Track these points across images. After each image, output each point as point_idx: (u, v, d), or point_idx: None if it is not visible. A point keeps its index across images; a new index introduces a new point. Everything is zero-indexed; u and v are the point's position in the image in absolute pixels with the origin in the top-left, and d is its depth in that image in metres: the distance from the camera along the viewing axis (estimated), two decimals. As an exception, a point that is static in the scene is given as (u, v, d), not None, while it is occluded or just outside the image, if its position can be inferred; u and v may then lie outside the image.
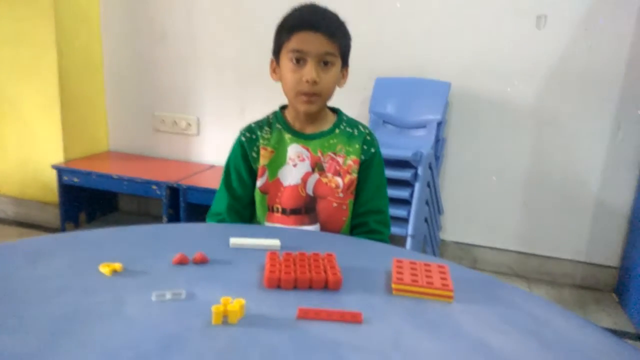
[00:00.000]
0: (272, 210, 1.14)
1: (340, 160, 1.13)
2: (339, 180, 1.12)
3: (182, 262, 0.83)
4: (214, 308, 0.67)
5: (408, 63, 2.25)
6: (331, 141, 1.14)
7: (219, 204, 1.17)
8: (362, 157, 1.13)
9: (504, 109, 2.23)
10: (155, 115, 2.57)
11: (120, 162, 2.52)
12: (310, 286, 0.78)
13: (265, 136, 1.15)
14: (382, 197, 1.17)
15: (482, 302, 0.78)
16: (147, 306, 0.70)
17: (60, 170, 2.35)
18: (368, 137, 1.15)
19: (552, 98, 2.18)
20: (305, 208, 1.13)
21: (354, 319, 0.70)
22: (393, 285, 0.78)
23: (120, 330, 0.64)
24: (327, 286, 0.78)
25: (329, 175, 1.12)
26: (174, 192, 2.19)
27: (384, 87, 2.18)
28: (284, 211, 1.13)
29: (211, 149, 2.51)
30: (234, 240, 0.91)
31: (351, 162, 1.13)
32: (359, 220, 1.15)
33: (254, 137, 1.15)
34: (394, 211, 1.73)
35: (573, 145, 2.21)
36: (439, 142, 2.07)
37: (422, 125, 2.07)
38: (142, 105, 2.59)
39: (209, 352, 0.61)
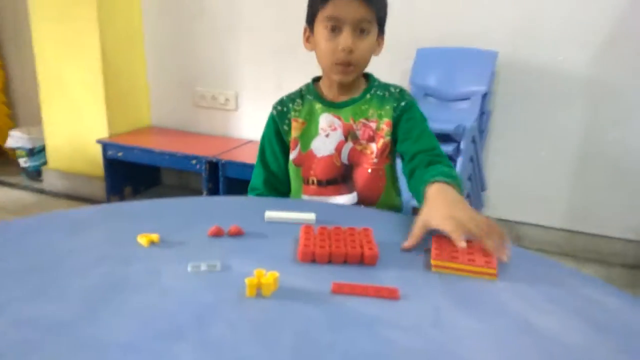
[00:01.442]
0: (308, 183, 1.13)
1: (373, 125, 1.09)
2: (373, 146, 1.09)
3: (217, 234, 0.83)
4: (247, 280, 0.66)
5: (452, 32, 2.15)
6: (363, 107, 1.10)
7: (257, 179, 1.17)
8: (394, 114, 1.08)
9: (555, 80, 2.11)
10: (195, 90, 2.59)
11: (161, 137, 2.57)
12: (346, 261, 0.76)
13: (297, 108, 1.13)
14: (429, 136, 1.08)
15: (527, 280, 0.74)
16: (182, 277, 0.70)
17: (105, 145, 2.41)
18: (398, 95, 1.10)
19: (607, 67, 2.04)
20: (342, 177, 1.11)
21: (391, 294, 0.68)
22: (432, 262, 0.76)
23: (155, 300, 0.64)
24: (363, 261, 0.76)
25: (363, 142, 1.09)
26: (213, 166, 2.21)
27: (426, 58, 2.10)
28: (319, 182, 1.12)
29: (249, 124, 2.52)
30: (269, 214, 0.90)
31: (384, 125, 1.08)
32: (413, 164, 1.04)
33: (285, 109, 1.13)
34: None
35: (629, 118, 2.07)
36: (483, 115, 1.99)
37: (466, 98, 1.99)
38: (182, 80, 2.61)
39: (242, 323, 0.60)
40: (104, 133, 2.51)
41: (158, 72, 2.64)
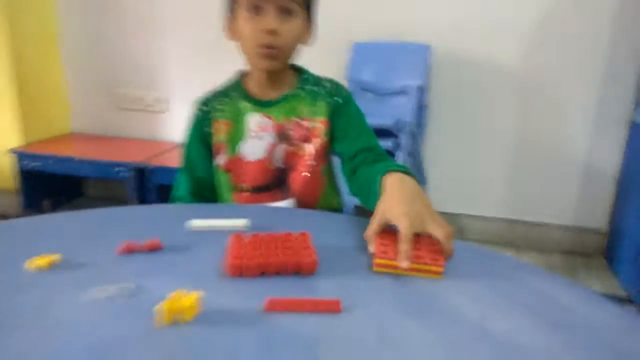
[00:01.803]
0: (239, 190, 1.03)
1: (306, 124, 1.01)
2: (308, 147, 1.01)
3: (130, 250, 0.71)
4: (158, 307, 0.55)
5: (386, 26, 2.12)
6: (294, 104, 1.01)
7: (181, 188, 1.06)
8: (329, 111, 1.00)
9: (488, 73, 2.13)
10: (119, 92, 2.41)
11: (82, 144, 2.36)
12: (281, 272, 0.67)
13: (221, 108, 1.02)
14: (370, 135, 1.01)
15: (476, 277, 0.68)
16: (81, 306, 0.58)
17: (19, 155, 2.18)
18: (333, 90, 1.02)
19: (537, 58, 2.08)
20: (276, 183, 1.02)
21: (331, 308, 0.60)
22: (376, 260, 0.68)
23: (42, 338, 0.52)
24: (301, 271, 0.67)
25: (297, 143, 1.01)
26: (140, 173, 2.05)
27: (362, 53, 2.05)
28: (251, 189, 1.02)
29: (181, 126, 2.36)
30: (193, 223, 0.80)
31: (318, 123, 1.00)
32: (354, 163, 0.97)
33: (208, 109, 1.03)
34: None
35: (560, 107, 2.12)
36: (421, 109, 1.96)
37: (402, 92, 1.95)
38: (104, 82, 2.42)
39: (155, 359, 0.50)
40: (17, 142, 2.27)
41: (77, 73, 2.43)
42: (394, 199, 0.74)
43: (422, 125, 2.00)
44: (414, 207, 0.72)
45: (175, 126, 2.38)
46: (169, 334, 0.54)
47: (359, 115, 1.02)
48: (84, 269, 0.67)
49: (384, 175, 0.80)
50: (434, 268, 0.67)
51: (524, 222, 2.26)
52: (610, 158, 2.11)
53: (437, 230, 0.70)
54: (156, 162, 2.05)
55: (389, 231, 0.73)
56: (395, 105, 1.93)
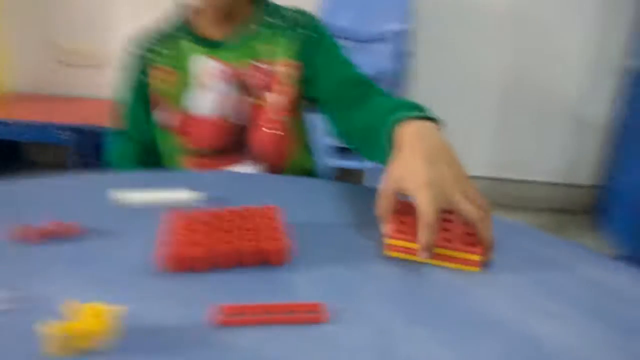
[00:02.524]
0: (188, 154, 0.82)
1: (267, 68, 0.80)
2: (271, 96, 0.80)
3: (26, 238, 0.51)
4: (48, 328, 0.36)
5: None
6: (249, 43, 0.80)
7: (114, 152, 0.85)
8: (297, 49, 0.79)
9: (478, 17, 1.94)
10: (59, 45, 2.11)
11: (20, 104, 2.08)
12: (239, 264, 0.48)
13: (160, 50, 0.81)
14: (350, 65, 0.79)
15: (517, 267, 0.51)
16: None
17: (-57, 119, 1.89)
18: (300, 22, 0.81)
19: (530, 2, 1.91)
20: (234, 144, 0.81)
21: (312, 316, 0.41)
22: (387, 241, 0.50)
23: None
24: (267, 261, 0.49)
25: (257, 92, 0.80)
26: (84, 135, 1.80)
27: (335, -5, 1.81)
28: (204, 153, 0.81)
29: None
30: (122, 196, 0.59)
31: (282, 66, 0.79)
32: (337, 105, 0.76)
33: (142, 52, 0.81)
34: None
35: (552, 55, 1.97)
36: (403, 57, 1.76)
37: (382, 38, 1.74)
38: (43, 34, 2.11)
39: None
40: (-60, 103, 1.98)
41: (12, 25, 2.12)
42: (411, 161, 0.52)
43: (404, 75, 1.80)
44: (438, 171, 0.50)
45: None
46: (58, 377, 0.35)
47: (336, 48, 0.82)
48: (-48, 269, 0.46)
49: (396, 124, 0.57)
50: (467, 256, 0.48)
51: (511, 180, 2.13)
52: (602, 109, 1.98)
53: (468, 209, 0.49)
54: (100, 122, 1.80)
55: (409, 203, 0.53)
56: (375, 53, 1.73)
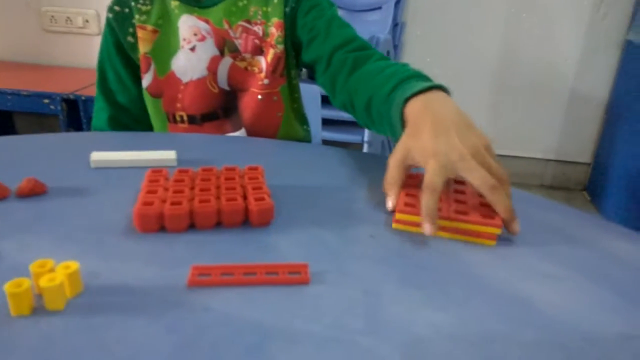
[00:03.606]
0: (175, 120, 0.78)
1: (258, 29, 0.76)
2: (261, 60, 0.76)
3: (-7, 196, 0.48)
4: (8, 287, 0.33)
5: None
6: (240, 3, 0.76)
7: (98, 118, 0.80)
8: (286, 10, 0.75)
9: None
10: (43, 10, 2.04)
11: (4, 73, 2.02)
12: (220, 223, 0.46)
13: (143, 8, 0.76)
14: (343, 27, 0.75)
15: (534, 238, 0.48)
16: None
17: None
18: None
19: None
20: (222, 109, 0.78)
21: (295, 278, 0.39)
22: (395, 216, 0.47)
23: None
24: (249, 221, 0.46)
25: (247, 56, 0.76)
26: (72, 105, 1.76)
27: (328, -38, 1.75)
28: (191, 119, 0.78)
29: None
30: (96, 156, 0.56)
31: (273, 28, 0.76)
32: (331, 70, 0.71)
33: (126, 11, 0.76)
34: (345, 115, 1.39)
35: (548, 27, 1.92)
36: (397, 27, 1.72)
37: (376, 7, 1.70)
38: (25, -1, 2.04)
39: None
40: None
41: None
42: (420, 133, 0.49)
43: (397, 46, 1.76)
44: (448, 142, 0.47)
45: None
46: (23, 329, 0.32)
47: (327, 5, 0.77)
48: None
49: (403, 103, 0.53)
50: (483, 229, 0.45)
51: (504, 157, 2.11)
52: (599, 83, 1.95)
53: (476, 177, 0.45)
54: (90, 93, 1.76)
55: (418, 175, 0.51)
56: (368, 22, 1.68)
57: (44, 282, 0.34)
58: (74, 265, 0.35)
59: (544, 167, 2.10)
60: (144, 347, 0.32)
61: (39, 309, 0.34)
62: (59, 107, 1.75)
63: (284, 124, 0.82)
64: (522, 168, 2.12)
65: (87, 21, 2.03)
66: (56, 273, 0.34)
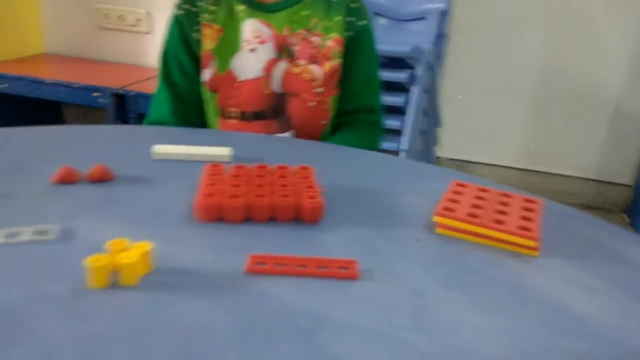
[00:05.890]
0: (227, 116, 0.82)
1: (316, 40, 0.80)
2: (315, 69, 0.80)
3: (67, 179, 0.52)
4: (89, 261, 0.37)
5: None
6: (302, 13, 0.80)
7: (160, 109, 0.84)
8: (347, 34, 0.81)
9: (514, 0, 1.88)
10: (96, 8, 2.14)
11: (57, 66, 2.12)
12: (273, 218, 0.48)
13: (211, 8, 0.80)
14: (373, 91, 0.88)
15: (561, 247, 0.49)
16: (-24, 257, 0.40)
17: (-16, 75, 1.94)
18: (353, 4, 0.82)
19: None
20: (273, 110, 0.81)
21: (345, 273, 0.41)
22: (435, 218, 0.49)
23: None
24: (301, 217, 0.49)
25: (302, 62, 0.80)
26: (120, 100, 1.83)
27: (375, -29, 1.78)
28: (242, 116, 0.81)
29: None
30: (158, 148, 0.60)
31: (332, 42, 0.80)
32: (343, 120, 0.87)
33: (194, 9, 0.81)
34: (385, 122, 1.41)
35: (595, 42, 1.89)
36: (440, 38, 1.72)
37: (421, 17, 1.71)
38: (82, -4, 2.14)
39: (71, 342, 0.32)
40: (-18, 61, 2.03)
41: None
42: None
43: (440, 57, 1.76)
44: None
45: (158, 50, 2.12)
46: (104, 301, 0.36)
47: (373, 57, 0.86)
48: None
49: None
50: (519, 240, 0.47)
51: (542, 173, 2.08)
52: (644, 104, 1.91)
53: None
54: (138, 89, 1.83)
55: (464, 184, 0.55)
56: (411, 32, 1.69)
57: (121, 258, 0.37)
58: (147, 245, 0.39)
59: (582, 186, 2.06)
60: (206, 325, 0.34)
61: (113, 284, 0.37)
62: (107, 101, 1.82)
63: (329, 129, 0.85)
64: (558, 186, 2.08)
65: (138, 20, 2.11)
66: (132, 251, 0.38)
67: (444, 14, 1.70)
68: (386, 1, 1.76)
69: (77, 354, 0.31)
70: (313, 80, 0.80)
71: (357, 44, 0.82)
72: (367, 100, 0.86)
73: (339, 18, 0.80)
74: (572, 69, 1.93)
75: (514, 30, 1.92)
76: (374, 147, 0.86)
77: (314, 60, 0.80)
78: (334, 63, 0.80)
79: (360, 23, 0.82)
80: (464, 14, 1.88)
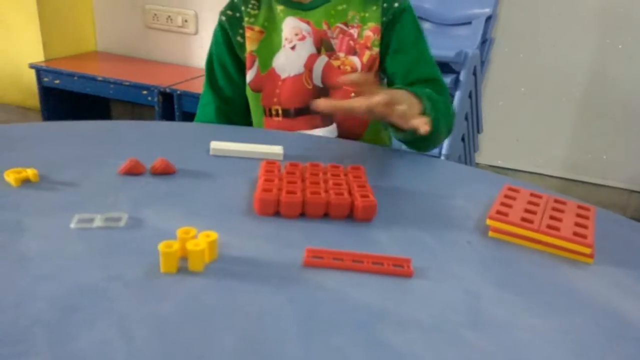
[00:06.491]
0: (270, 114, 0.84)
1: (354, 32, 0.81)
2: (355, 60, 0.81)
3: (133, 171, 0.55)
4: (162, 247, 0.39)
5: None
6: (339, 7, 0.81)
7: (205, 111, 0.88)
8: (384, 19, 0.80)
9: (562, 7, 1.84)
10: (147, 9, 2.21)
11: (108, 63, 2.20)
12: (327, 215, 0.50)
13: (252, 12, 0.83)
14: (429, 63, 0.83)
15: (613, 254, 0.49)
16: (58, 239, 0.43)
17: (39, 70, 2.04)
18: None
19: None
20: None
21: (399, 270, 0.42)
22: (487, 221, 0.50)
23: (3, 275, 0.37)
24: (353, 215, 0.50)
25: (342, 55, 0.81)
26: (168, 98, 1.89)
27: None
28: (286, 113, 0.83)
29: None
30: (216, 144, 0.63)
31: (370, 32, 0.80)
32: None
33: (237, 15, 0.83)
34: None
35: (645, 53, 1.83)
36: (485, 43, 1.71)
37: (466, 22, 1.69)
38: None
39: (148, 319, 0.34)
40: (39, 57, 2.13)
41: (105, -13, 2.24)
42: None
43: (484, 62, 1.75)
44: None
45: (205, 50, 2.18)
46: (173, 285, 0.38)
47: (419, 32, 0.83)
48: (70, 189, 0.51)
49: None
50: (573, 246, 0.47)
51: (585, 183, 2.03)
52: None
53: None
54: (184, 88, 1.88)
55: (516, 189, 0.55)
56: (457, 37, 1.68)
57: (190, 246, 0.39)
58: (213, 235, 0.41)
59: (628, 198, 2.00)
60: (269, 311, 0.36)
61: (182, 269, 0.40)
62: (155, 99, 1.89)
63: (370, 127, 0.85)
64: (602, 197, 2.02)
65: (186, 21, 2.18)
66: (199, 240, 0.40)
67: (489, 19, 1.68)
68: (432, 6, 1.75)
69: (152, 330, 0.33)
70: (354, 71, 0.81)
71: (397, 24, 0.80)
72: (426, 71, 0.81)
73: (375, 7, 0.80)
74: (620, 78, 1.88)
75: (561, 37, 1.88)
76: (452, 120, 0.79)
77: (353, 51, 0.81)
78: (373, 52, 0.80)
79: (396, 5, 0.81)
80: (509, 19, 1.86)
